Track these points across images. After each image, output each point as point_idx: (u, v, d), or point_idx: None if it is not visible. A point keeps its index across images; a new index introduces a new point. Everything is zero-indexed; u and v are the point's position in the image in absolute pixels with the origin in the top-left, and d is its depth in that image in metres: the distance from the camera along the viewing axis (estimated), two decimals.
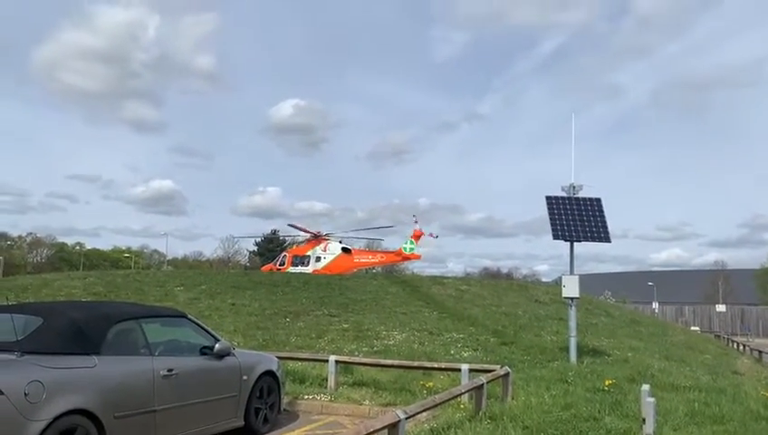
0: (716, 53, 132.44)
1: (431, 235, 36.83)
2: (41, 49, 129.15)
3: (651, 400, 5.29)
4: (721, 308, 53.01)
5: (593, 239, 13.34)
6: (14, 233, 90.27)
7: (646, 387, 5.57)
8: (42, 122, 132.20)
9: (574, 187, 13.72)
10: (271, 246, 68.23)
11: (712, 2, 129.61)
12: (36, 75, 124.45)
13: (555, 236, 13.26)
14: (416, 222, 37.08)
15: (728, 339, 37.43)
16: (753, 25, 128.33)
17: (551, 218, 13.39)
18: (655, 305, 58.23)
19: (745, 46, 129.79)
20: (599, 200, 13.80)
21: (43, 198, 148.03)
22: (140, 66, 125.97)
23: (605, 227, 13.44)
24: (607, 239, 13.37)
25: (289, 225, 39.30)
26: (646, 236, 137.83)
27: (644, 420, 5.30)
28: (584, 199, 13.75)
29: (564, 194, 13.78)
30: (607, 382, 9.98)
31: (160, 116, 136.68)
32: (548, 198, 13.75)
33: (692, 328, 43.47)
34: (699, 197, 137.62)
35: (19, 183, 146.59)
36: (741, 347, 32.25)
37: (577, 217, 13.43)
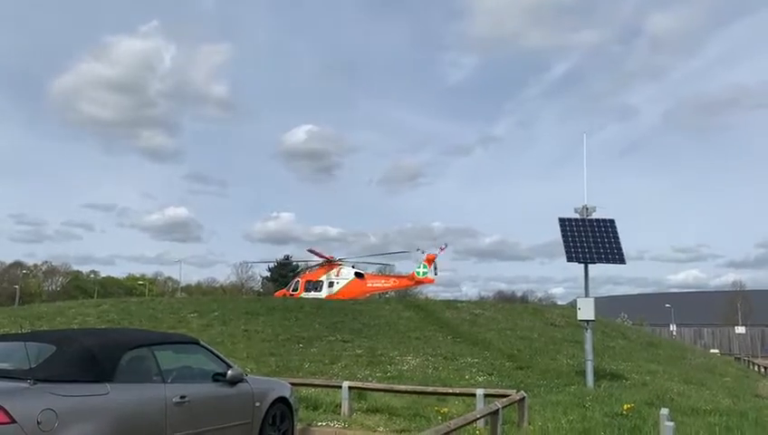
0: (729, 74, 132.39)
1: (435, 268, 36.47)
2: (58, 80, 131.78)
3: (671, 424, 5.17)
4: (740, 330, 52.09)
5: (607, 261, 13.22)
6: (31, 262, 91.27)
7: (665, 411, 5.45)
8: (58, 152, 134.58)
9: (587, 208, 13.66)
10: (284, 272, 68.24)
11: (724, 22, 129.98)
12: (54, 106, 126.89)
13: (569, 259, 13.17)
14: (423, 252, 36.95)
15: (749, 361, 36.73)
16: (763, 47, 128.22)
17: (564, 241, 13.31)
18: (673, 328, 57.38)
19: (758, 66, 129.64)
20: (612, 222, 13.71)
21: (59, 226, 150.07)
22: (156, 95, 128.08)
23: (619, 248, 13.34)
24: (621, 261, 13.25)
25: (308, 250, 39.03)
26: (662, 258, 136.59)
27: None
28: (598, 221, 13.67)
29: (577, 216, 13.71)
30: (625, 407, 9.80)
31: (175, 144, 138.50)
32: (561, 220, 13.69)
33: (711, 350, 42.71)
34: (716, 217, 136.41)
35: (36, 212, 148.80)
36: (762, 369, 31.63)
37: (591, 239, 13.34)
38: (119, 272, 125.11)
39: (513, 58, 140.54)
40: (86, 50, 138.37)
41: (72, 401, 5.19)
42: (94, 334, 6.71)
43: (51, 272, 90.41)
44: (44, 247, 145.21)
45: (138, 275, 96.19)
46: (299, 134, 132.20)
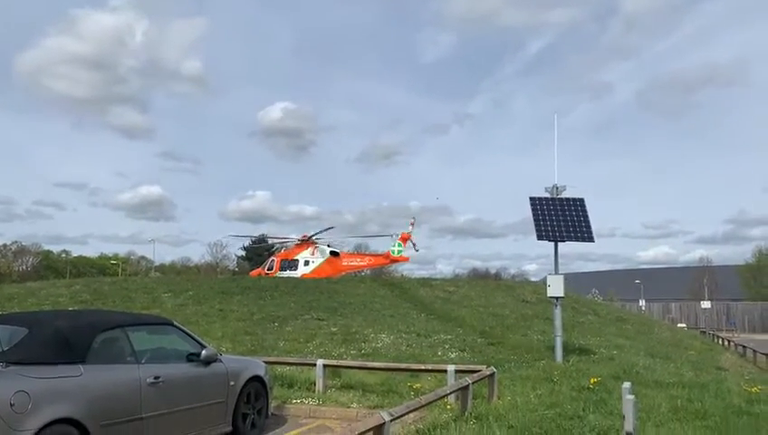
0: (701, 53, 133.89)
1: (414, 245, 36.82)
2: (26, 55, 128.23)
3: (631, 397, 5.38)
4: (706, 305, 53.51)
5: (577, 239, 13.49)
6: (0, 242, 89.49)
7: (627, 385, 5.66)
8: (28, 130, 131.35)
9: (557, 187, 13.87)
10: (259, 251, 68.06)
11: (697, 1, 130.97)
12: (21, 82, 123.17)
13: (539, 237, 13.40)
14: (411, 225, 37.16)
15: (713, 335, 37.84)
16: (738, 24, 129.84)
17: (534, 219, 13.53)
18: (642, 303, 58.72)
19: (729, 45, 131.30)
20: (582, 200, 13.96)
21: (29, 206, 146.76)
22: (128, 71, 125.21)
23: (588, 226, 13.60)
24: (590, 239, 13.53)
25: (301, 238, 38.58)
26: (633, 235, 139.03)
27: (624, 417, 5.39)
28: (568, 200, 13.90)
29: (548, 195, 13.93)
30: (592, 381, 10.11)
31: (148, 121, 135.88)
32: (532, 199, 13.89)
33: (679, 325, 43.89)
34: (686, 194, 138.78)
35: (5, 191, 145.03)
36: (726, 343, 32.64)
37: (561, 218, 13.57)
38: (91, 251, 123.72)
39: (489, 36, 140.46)
40: (54, 24, 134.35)
41: (46, 382, 5.23)
42: (67, 316, 6.71)
43: (21, 252, 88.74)
44: (14, 227, 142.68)
45: (110, 255, 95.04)
46: (274, 112, 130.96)
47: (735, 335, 42.52)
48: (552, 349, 13.61)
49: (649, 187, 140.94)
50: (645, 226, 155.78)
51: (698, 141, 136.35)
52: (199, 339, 7.51)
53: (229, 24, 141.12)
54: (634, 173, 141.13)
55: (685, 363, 15.02)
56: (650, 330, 23.36)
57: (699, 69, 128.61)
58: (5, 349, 5.47)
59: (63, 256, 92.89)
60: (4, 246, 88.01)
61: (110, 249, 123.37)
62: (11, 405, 4.86)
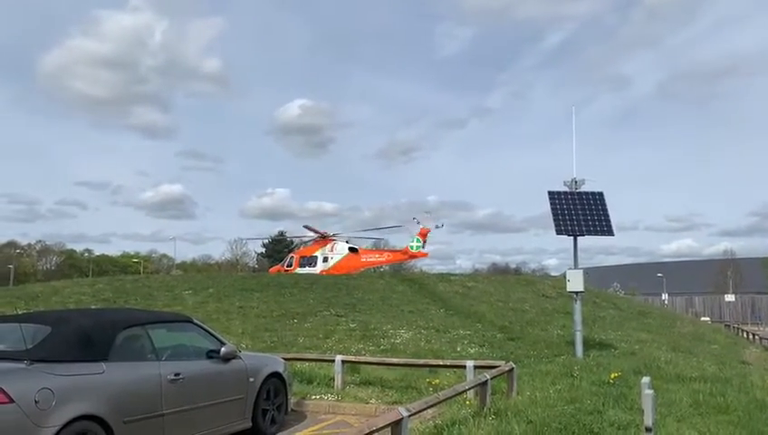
0: (724, 42, 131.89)
1: (436, 226, 36.89)
2: (48, 57, 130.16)
3: (650, 392, 5.32)
4: (730, 298, 52.69)
5: (596, 233, 13.37)
6: (24, 241, 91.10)
7: (646, 379, 5.60)
8: (50, 130, 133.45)
9: (576, 181, 13.76)
10: (278, 248, 68.45)
11: None
12: (44, 83, 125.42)
13: (558, 232, 13.31)
14: (418, 223, 37.10)
15: (738, 328, 37.29)
16: (761, 13, 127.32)
17: (553, 214, 13.43)
18: (664, 296, 58.01)
19: (752, 34, 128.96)
20: (601, 194, 13.84)
21: (52, 205, 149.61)
22: (148, 71, 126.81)
23: (608, 220, 13.47)
24: (610, 233, 13.40)
25: (304, 226, 39.13)
26: (656, 228, 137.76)
27: (643, 411, 5.35)
28: (586, 194, 13.78)
29: (567, 189, 13.82)
30: (612, 376, 10.01)
31: (168, 121, 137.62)
32: (550, 193, 13.79)
33: (702, 318, 43.28)
34: (709, 186, 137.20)
35: (29, 192, 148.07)
36: (750, 336, 32.14)
37: (579, 212, 13.46)
38: (113, 250, 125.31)
39: (507, 28, 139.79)
40: (75, 25, 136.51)
41: (69, 380, 5.33)
42: (89, 315, 6.83)
43: (45, 251, 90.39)
44: (38, 226, 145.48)
45: (132, 253, 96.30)
46: (293, 109, 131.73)
47: (761, 329, 41.85)
48: (573, 344, 13.51)
49: (672, 179, 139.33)
50: (668, 218, 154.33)
51: (721, 132, 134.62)
52: (219, 336, 7.59)
53: (247, 22, 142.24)
54: (656, 165, 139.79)
55: (707, 358, 14.80)
56: (673, 324, 23.06)
57: (722, 58, 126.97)
58: (30, 347, 5.57)
59: (86, 254, 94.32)
60: (29, 245, 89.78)
61: (131, 247, 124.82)
62: (35, 402, 4.96)
